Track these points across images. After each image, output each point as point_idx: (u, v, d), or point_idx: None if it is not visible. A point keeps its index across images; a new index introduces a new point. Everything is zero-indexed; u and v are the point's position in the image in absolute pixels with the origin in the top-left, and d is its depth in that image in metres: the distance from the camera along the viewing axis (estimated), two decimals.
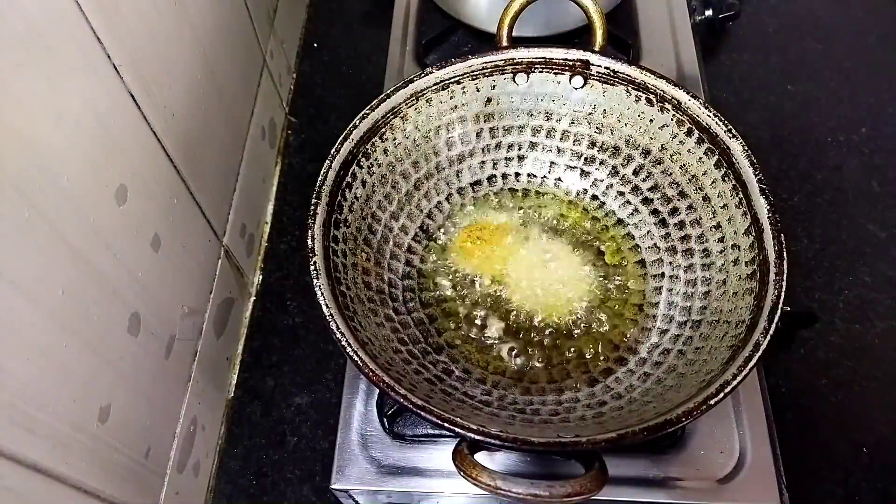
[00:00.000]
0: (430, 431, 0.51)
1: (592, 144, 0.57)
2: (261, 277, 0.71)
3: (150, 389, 0.49)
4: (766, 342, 0.41)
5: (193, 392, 0.56)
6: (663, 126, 0.53)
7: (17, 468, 0.35)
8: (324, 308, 0.43)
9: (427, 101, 0.55)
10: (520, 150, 0.59)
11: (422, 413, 0.39)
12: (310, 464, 0.61)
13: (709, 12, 0.75)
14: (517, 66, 0.55)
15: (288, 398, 0.64)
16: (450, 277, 0.55)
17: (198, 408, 0.57)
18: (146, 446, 0.49)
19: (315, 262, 0.45)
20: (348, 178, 0.51)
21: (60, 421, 0.39)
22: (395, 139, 0.54)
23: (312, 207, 0.47)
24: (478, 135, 0.58)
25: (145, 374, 0.48)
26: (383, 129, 0.53)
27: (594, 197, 0.58)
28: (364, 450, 0.51)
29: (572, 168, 0.59)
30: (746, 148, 0.48)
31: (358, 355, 0.41)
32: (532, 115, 0.57)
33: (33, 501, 0.37)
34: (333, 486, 0.50)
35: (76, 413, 0.40)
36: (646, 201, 0.56)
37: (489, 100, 0.56)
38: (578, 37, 0.69)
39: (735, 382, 0.39)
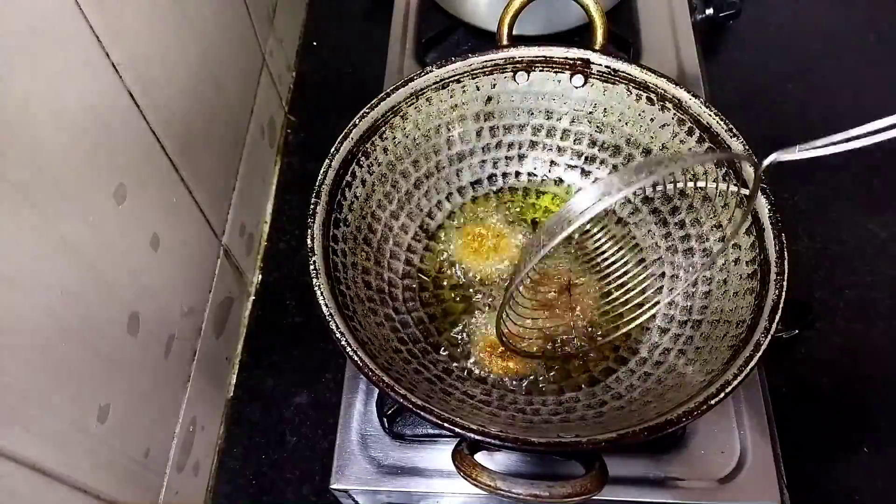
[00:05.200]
0: (430, 431, 0.51)
1: (593, 143, 0.57)
2: (260, 277, 0.71)
3: (149, 389, 0.49)
4: (766, 342, 0.41)
5: (193, 392, 0.56)
6: (664, 125, 0.53)
7: (17, 468, 0.35)
8: (323, 308, 0.43)
9: (427, 99, 0.54)
10: (520, 149, 0.59)
11: (422, 413, 0.39)
12: (309, 464, 0.61)
13: (709, 11, 0.75)
14: (517, 65, 0.55)
15: (288, 398, 0.64)
16: (450, 276, 0.55)
17: (197, 407, 0.57)
18: (146, 446, 0.49)
19: (314, 262, 0.45)
20: (348, 178, 0.51)
21: (60, 421, 0.38)
22: (394, 138, 0.54)
23: (312, 207, 0.47)
24: (478, 133, 0.58)
25: (144, 374, 0.48)
26: (383, 128, 0.53)
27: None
28: (364, 450, 0.51)
29: (573, 167, 0.59)
30: (747, 147, 0.48)
31: (357, 355, 0.41)
32: (532, 113, 0.57)
33: (33, 501, 0.37)
34: (333, 486, 0.50)
35: (76, 413, 0.40)
36: (646, 200, 0.56)
37: (489, 98, 0.56)
38: (579, 35, 0.68)
39: (736, 382, 0.39)
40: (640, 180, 0.33)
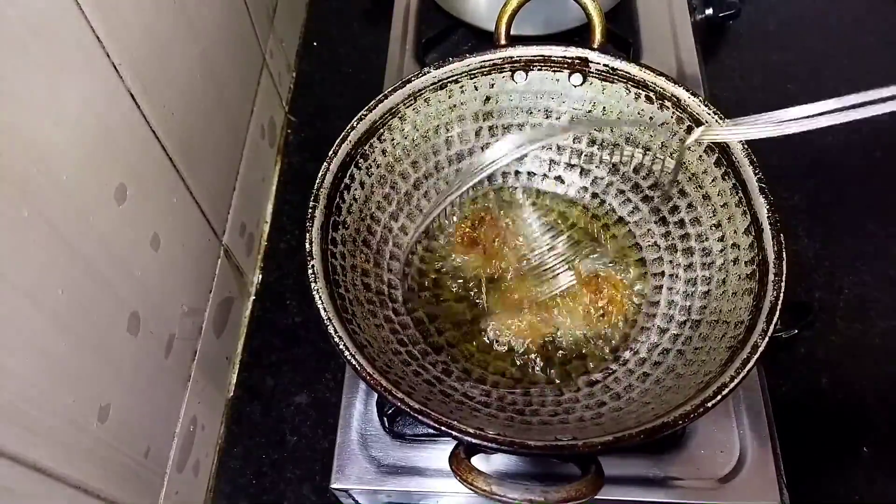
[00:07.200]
0: (431, 431, 0.51)
1: (592, 142, 0.57)
2: (260, 276, 0.71)
3: (149, 389, 0.49)
4: (764, 344, 0.41)
5: (193, 391, 0.56)
6: (663, 123, 0.53)
7: (17, 468, 0.35)
8: (322, 312, 0.43)
9: (425, 100, 0.54)
10: None
11: (419, 417, 0.39)
12: (310, 463, 0.61)
13: (709, 10, 0.75)
14: (516, 65, 0.55)
15: (288, 398, 0.64)
16: (450, 276, 0.55)
17: (197, 407, 0.57)
18: (146, 446, 0.49)
19: (313, 266, 0.45)
20: (346, 180, 0.51)
21: (60, 421, 0.39)
22: (393, 139, 0.54)
23: (310, 210, 0.47)
24: (477, 133, 0.58)
25: (145, 374, 0.48)
26: (381, 130, 0.53)
27: (594, 195, 0.58)
28: (364, 449, 0.51)
29: (572, 166, 0.59)
30: (746, 146, 0.48)
31: (356, 359, 0.41)
32: (531, 113, 0.57)
33: (33, 501, 0.37)
34: (333, 486, 0.50)
35: (76, 413, 0.40)
36: (646, 199, 0.56)
37: (488, 98, 0.56)
38: (578, 35, 0.68)
39: (732, 385, 0.39)
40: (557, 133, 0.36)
